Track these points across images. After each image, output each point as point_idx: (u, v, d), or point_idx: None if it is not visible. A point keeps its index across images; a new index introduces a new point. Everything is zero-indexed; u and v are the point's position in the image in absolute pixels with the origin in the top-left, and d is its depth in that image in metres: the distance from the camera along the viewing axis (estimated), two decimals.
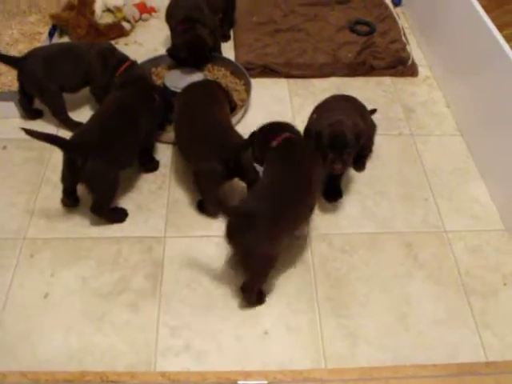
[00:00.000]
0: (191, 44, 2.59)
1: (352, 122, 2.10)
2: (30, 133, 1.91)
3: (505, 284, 2.11)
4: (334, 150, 2.05)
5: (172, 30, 2.76)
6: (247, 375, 1.23)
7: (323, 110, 2.29)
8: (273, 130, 2.05)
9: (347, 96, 2.41)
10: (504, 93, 2.29)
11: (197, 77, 2.57)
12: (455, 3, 2.71)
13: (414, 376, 1.29)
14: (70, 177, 2.06)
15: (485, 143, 2.48)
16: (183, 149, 2.23)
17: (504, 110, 2.30)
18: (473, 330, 1.94)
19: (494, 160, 2.41)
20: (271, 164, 1.98)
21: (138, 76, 2.41)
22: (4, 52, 2.70)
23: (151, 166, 2.39)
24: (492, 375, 1.31)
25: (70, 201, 2.22)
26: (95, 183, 2.06)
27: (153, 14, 3.29)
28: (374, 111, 2.52)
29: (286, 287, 2.02)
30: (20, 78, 2.44)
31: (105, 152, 2.02)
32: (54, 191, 2.26)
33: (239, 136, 2.10)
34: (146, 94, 2.29)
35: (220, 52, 2.93)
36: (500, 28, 3.30)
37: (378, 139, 2.51)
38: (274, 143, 2.00)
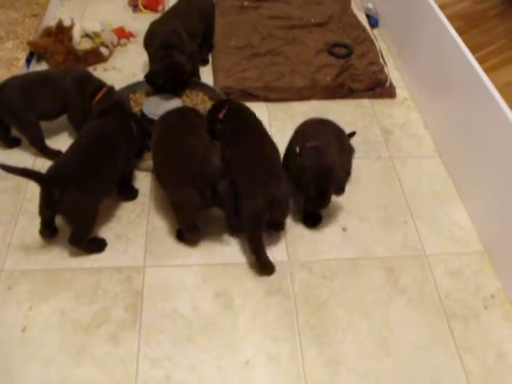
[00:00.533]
0: (168, 70, 2.59)
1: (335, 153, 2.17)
2: (6, 168, 1.91)
3: (485, 307, 2.11)
4: (318, 187, 2.10)
5: (150, 56, 2.76)
6: None
7: (304, 137, 2.28)
8: (217, 107, 2.37)
9: (325, 120, 2.42)
10: (478, 114, 2.32)
11: (175, 103, 2.57)
12: (429, 25, 2.74)
13: None
14: (48, 209, 2.05)
15: (463, 165, 2.50)
16: (160, 177, 2.22)
17: (479, 132, 2.33)
18: (454, 354, 1.94)
19: (472, 181, 2.43)
20: (224, 130, 2.30)
21: (115, 103, 2.40)
22: None
23: (130, 194, 2.38)
24: None
25: (49, 232, 2.20)
26: (73, 215, 2.05)
27: (131, 39, 3.30)
28: (353, 134, 2.53)
29: (266, 315, 2.01)
30: None
31: (83, 184, 2.01)
32: (31, 222, 2.24)
33: (215, 164, 2.10)
34: (123, 123, 2.29)
35: (199, 77, 2.94)
36: (474, 49, 3.35)
37: (357, 162, 2.52)
38: (221, 115, 2.31)
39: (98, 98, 2.44)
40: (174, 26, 2.72)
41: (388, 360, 1.92)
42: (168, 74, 2.60)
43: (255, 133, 2.29)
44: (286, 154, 2.32)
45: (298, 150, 2.19)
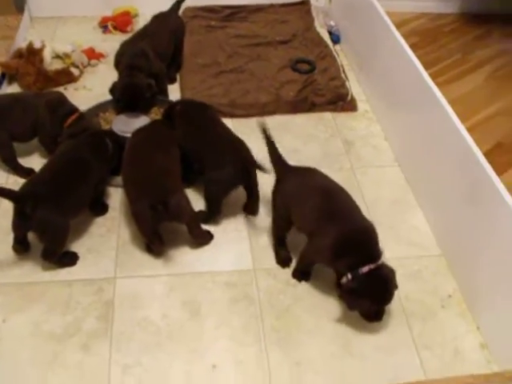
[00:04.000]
0: (124, 91, 2.69)
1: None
2: None
3: (443, 306, 2.22)
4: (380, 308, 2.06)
5: (119, 75, 2.85)
6: None
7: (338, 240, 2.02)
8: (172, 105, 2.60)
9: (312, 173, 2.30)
10: (432, 126, 2.45)
11: (143, 120, 2.65)
12: (385, 42, 2.88)
13: None
14: (20, 226, 2.12)
15: (420, 173, 2.63)
16: (125, 191, 2.33)
17: (433, 142, 2.46)
18: (413, 352, 2.04)
19: (429, 189, 2.55)
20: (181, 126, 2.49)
21: (87, 126, 2.49)
22: None
23: (100, 209, 2.46)
24: None
25: (22, 247, 2.26)
26: (45, 232, 2.12)
27: (101, 59, 3.38)
28: None
29: (232, 321, 2.09)
30: None
31: (54, 202, 2.08)
32: (5, 237, 2.29)
33: (174, 180, 2.21)
34: (98, 142, 2.38)
35: (167, 95, 3.03)
36: (430, 64, 3.51)
37: None
38: (178, 107, 2.53)
39: (69, 122, 2.52)
40: (141, 47, 2.81)
41: (351, 360, 2.01)
42: (123, 95, 2.70)
43: (212, 117, 2.54)
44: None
45: (349, 277, 1.97)
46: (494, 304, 2.07)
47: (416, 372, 1.99)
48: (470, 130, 3.16)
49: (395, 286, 2.01)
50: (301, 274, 2.23)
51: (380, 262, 1.97)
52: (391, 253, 2.35)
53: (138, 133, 2.42)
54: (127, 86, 2.69)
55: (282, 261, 2.28)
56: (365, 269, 1.93)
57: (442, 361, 2.04)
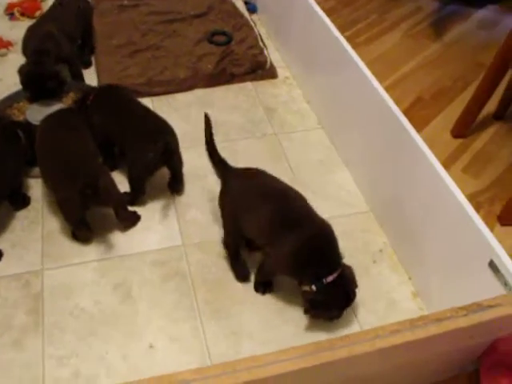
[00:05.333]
0: (27, 80, 2.59)
1: None
2: None
3: (374, 261, 2.26)
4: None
5: (27, 61, 2.74)
6: None
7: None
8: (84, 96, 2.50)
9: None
10: (350, 87, 2.47)
11: (56, 107, 2.57)
12: (300, 7, 2.85)
13: (275, 361, 1.37)
14: None
15: (343, 134, 2.65)
16: (45, 181, 2.25)
17: (352, 102, 2.48)
18: (348, 310, 2.05)
19: (354, 148, 2.57)
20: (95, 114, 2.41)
21: None
22: None
23: (22, 202, 2.37)
24: (345, 347, 1.42)
25: None
26: None
27: (10, 48, 3.25)
28: None
29: (165, 300, 2.07)
30: None
31: None
32: None
33: (97, 163, 2.15)
34: (9, 134, 2.29)
35: (82, 79, 2.95)
36: (346, 27, 3.53)
37: (243, 143, 2.62)
38: (91, 95, 2.45)
39: None
40: (48, 30, 2.71)
41: (286, 325, 2.02)
42: (27, 82, 2.60)
43: (128, 98, 2.47)
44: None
45: (313, 288, 1.89)
46: (423, 252, 2.11)
47: (352, 328, 2.03)
48: (391, 87, 3.25)
49: (357, 285, 1.99)
50: (263, 286, 2.12)
51: (341, 267, 1.92)
52: (320, 213, 2.36)
53: (47, 121, 2.34)
54: (29, 76, 2.58)
55: (242, 277, 2.15)
56: (329, 278, 1.86)
57: (376, 314, 2.08)
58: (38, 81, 2.58)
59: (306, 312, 1.95)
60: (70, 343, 1.94)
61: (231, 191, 2.06)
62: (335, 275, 1.88)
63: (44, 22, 2.86)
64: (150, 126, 2.31)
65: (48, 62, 2.59)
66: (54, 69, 2.61)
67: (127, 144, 2.31)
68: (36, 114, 2.57)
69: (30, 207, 2.38)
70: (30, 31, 2.81)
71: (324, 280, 1.86)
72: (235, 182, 2.07)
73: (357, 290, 1.98)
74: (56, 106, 2.58)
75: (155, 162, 2.27)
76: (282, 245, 1.90)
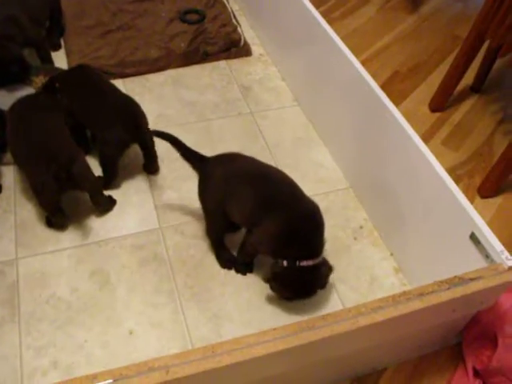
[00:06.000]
0: None
1: None
2: None
3: (355, 238, 2.24)
4: None
5: None
6: (93, 377, 1.24)
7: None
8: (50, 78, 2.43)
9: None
10: (325, 62, 2.43)
11: (25, 92, 2.50)
12: None
13: (257, 343, 1.35)
14: None
15: (320, 110, 2.61)
16: (19, 167, 2.21)
17: (328, 78, 2.44)
18: (330, 288, 2.04)
19: (331, 125, 2.53)
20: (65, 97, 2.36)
21: None
22: None
23: None
24: (327, 326, 1.39)
25: None
26: None
27: None
28: None
29: (143, 284, 2.04)
30: None
31: None
32: None
33: (71, 147, 2.09)
34: None
35: (51, 62, 2.86)
36: (321, 3, 3.48)
37: (219, 122, 2.58)
38: (58, 77, 2.40)
39: None
40: (10, 13, 2.61)
41: (267, 305, 2.00)
42: None
43: (97, 79, 2.40)
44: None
45: (284, 264, 1.87)
46: (404, 227, 2.10)
47: (335, 306, 2.01)
48: (368, 61, 3.21)
49: (325, 284, 1.97)
50: (244, 267, 2.09)
51: (321, 259, 1.89)
52: None
53: (17, 105, 2.26)
54: None
55: (226, 263, 2.10)
56: (303, 263, 1.83)
57: (358, 291, 2.07)
58: (0, 66, 2.50)
59: (265, 281, 1.94)
60: (48, 333, 1.90)
61: (212, 180, 1.99)
62: (310, 263, 1.85)
63: (7, 4, 2.76)
64: (116, 104, 2.26)
65: (12, 47, 2.51)
66: (18, 53, 2.53)
67: (96, 125, 2.28)
68: (4, 99, 2.50)
69: (2, 195, 2.32)
70: None
71: (298, 262, 1.84)
72: (215, 170, 1.99)
73: (322, 290, 1.98)
74: (25, 91, 2.51)
75: (125, 138, 2.23)
76: (268, 224, 1.86)
